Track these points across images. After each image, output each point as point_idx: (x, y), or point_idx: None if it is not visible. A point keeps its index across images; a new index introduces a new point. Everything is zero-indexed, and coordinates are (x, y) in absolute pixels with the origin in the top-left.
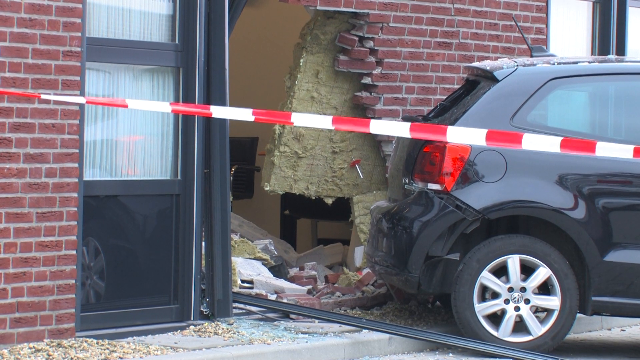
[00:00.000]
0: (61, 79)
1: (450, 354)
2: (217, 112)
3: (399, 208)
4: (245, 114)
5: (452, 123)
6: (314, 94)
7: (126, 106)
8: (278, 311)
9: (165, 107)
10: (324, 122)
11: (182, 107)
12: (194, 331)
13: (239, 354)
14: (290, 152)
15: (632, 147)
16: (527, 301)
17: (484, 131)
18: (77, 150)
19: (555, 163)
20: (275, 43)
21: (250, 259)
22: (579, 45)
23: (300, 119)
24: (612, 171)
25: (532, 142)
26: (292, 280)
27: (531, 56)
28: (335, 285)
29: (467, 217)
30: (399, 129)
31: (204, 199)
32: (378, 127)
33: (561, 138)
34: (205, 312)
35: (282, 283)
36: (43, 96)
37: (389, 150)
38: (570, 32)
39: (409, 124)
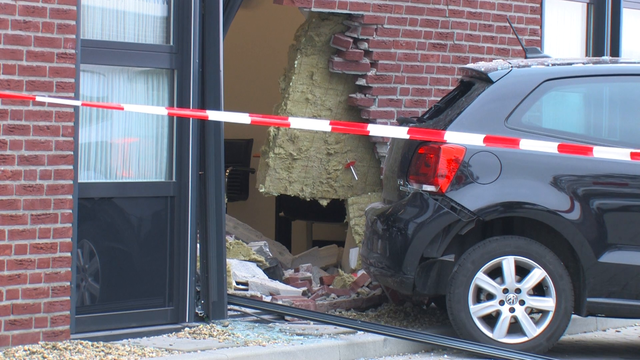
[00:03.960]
0: (55, 81)
1: (446, 356)
2: (214, 115)
3: (394, 209)
4: (242, 118)
5: (447, 124)
6: (309, 95)
7: (122, 108)
8: (273, 313)
9: (161, 111)
10: (322, 125)
11: (179, 111)
12: (189, 333)
13: (234, 356)
14: (285, 154)
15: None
16: (522, 302)
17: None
18: (72, 153)
19: (550, 164)
20: (269, 45)
21: (245, 260)
22: (574, 46)
23: (297, 123)
24: (606, 172)
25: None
26: (287, 282)
27: (525, 57)
28: (330, 286)
29: (461, 219)
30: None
31: (198, 200)
32: (376, 131)
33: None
34: (200, 314)
35: (277, 285)
36: (39, 99)
37: (383, 152)
38: (564, 33)
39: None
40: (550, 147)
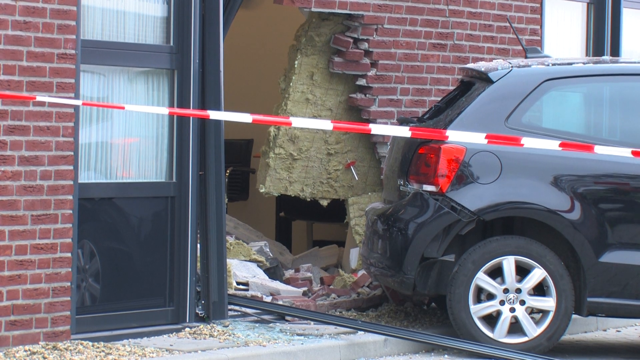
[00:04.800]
0: (56, 82)
1: (446, 356)
2: (215, 114)
3: (394, 209)
4: (244, 118)
5: (447, 124)
6: (309, 95)
7: (123, 107)
8: (273, 313)
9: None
10: (324, 124)
11: (180, 110)
12: (190, 333)
13: (234, 356)
14: (285, 154)
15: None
16: (522, 302)
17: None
18: (72, 153)
19: (550, 164)
20: (269, 45)
21: (245, 261)
22: (574, 46)
23: (300, 122)
24: (607, 172)
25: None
26: (287, 282)
27: (526, 57)
28: (331, 287)
29: (462, 219)
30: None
31: (199, 201)
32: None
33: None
34: (201, 314)
35: (277, 285)
36: (39, 99)
37: (384, 152)
38: (564, 33)
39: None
40: (551, 144)
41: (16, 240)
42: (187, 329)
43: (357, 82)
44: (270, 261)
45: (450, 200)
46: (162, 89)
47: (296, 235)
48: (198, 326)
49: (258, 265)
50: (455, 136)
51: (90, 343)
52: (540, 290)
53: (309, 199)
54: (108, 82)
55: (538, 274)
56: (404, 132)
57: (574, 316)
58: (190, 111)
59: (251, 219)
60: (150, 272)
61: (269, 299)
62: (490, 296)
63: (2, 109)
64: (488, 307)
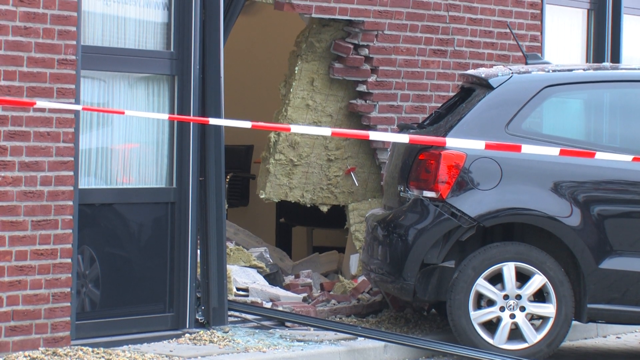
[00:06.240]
0: (56, 87)
1: None
2: (215, 120)
3: (394, 216)
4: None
5: (447, 131)
6: (309, 101)
7: (122, 112)
8: (273, 319)
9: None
10: (323, 130)
11: (180, 117)
12: (190, 339)
13: None
14: (285, 160)
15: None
16: (522, 309)
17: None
18: (72, 159)
19: (550, 170)
20: (270, 51)
21: (245, 266)
22: (574, 52)
23: (298, 128)
24: (607, 179)
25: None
26: (287, 288)
27: (526, 63)
28: (331, 293)
29: (462, 225)
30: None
31: (199, 207)
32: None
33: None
34: (201, 320)
35: (277, 291)
36: (40, 104)
37: (384, 158)
38: (565, 39)
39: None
40: (550, 150)
41: (16, 245)
42: (187, 335)
43: (358, 88)
44: (270, 267)
45: (451, 206)
46: (163, 95)
47: (296, 241)
48: (198, 332)
49: (258, 271)
50: (455, 143)
51: (90, 349)
52: (540, 296)
53: (309, 205)
54: (108, 87)
55: (538, 280)
56: (401, 138)
57: (574, 322)
58: (190, 117)
59: (251, 224)
60: (150, 278)
61: (268, 305)
62: (491, 302)
63: (2, 115)
64: (488, 313)
